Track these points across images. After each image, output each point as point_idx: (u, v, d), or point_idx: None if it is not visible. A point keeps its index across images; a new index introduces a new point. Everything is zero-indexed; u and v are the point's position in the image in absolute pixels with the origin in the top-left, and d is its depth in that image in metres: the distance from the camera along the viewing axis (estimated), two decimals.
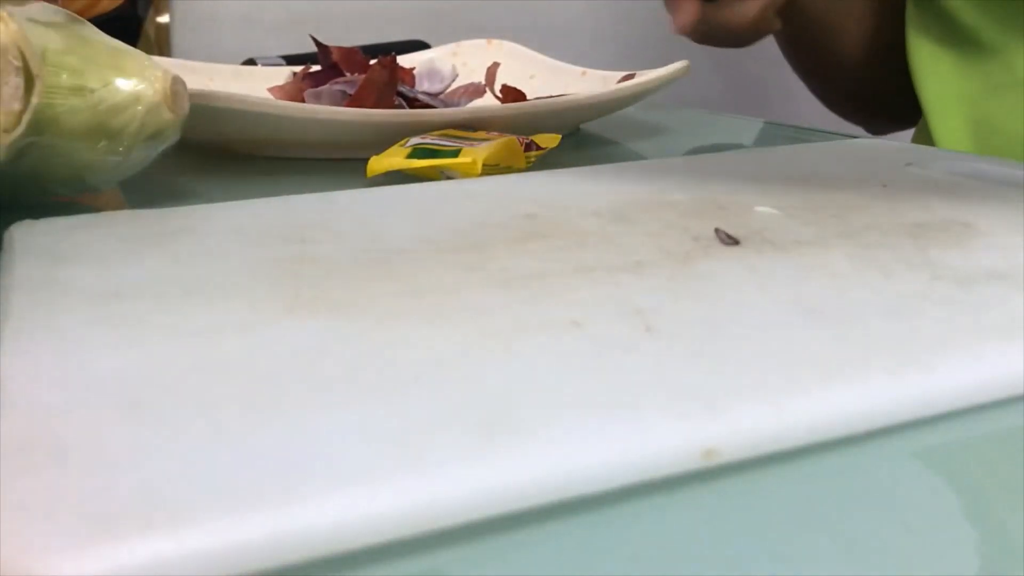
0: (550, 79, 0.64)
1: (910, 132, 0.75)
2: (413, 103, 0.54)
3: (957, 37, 0.62)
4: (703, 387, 0.18)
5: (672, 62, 0.55)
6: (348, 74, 0.57)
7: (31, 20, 0.32)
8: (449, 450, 0.16)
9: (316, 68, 0.59)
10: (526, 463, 0.16)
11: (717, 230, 0.28)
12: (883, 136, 0.79)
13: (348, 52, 0.59)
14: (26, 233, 0.28)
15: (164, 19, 0.83)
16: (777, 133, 0.60)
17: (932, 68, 0.64)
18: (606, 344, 0.20)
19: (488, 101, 0.58)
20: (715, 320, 0.21)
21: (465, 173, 0.39)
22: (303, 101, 0.54)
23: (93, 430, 0.16)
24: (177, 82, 0.35)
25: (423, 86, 0.59)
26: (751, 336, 0.21)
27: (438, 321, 0.21)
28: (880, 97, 0.76)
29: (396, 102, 0.53)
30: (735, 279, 0.24)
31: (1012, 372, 0.20)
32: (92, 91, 0.32)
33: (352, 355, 0.20)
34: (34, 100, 0.27)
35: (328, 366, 0.19)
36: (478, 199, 0.32)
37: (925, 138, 0.66)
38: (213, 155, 0.49)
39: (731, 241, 0.27)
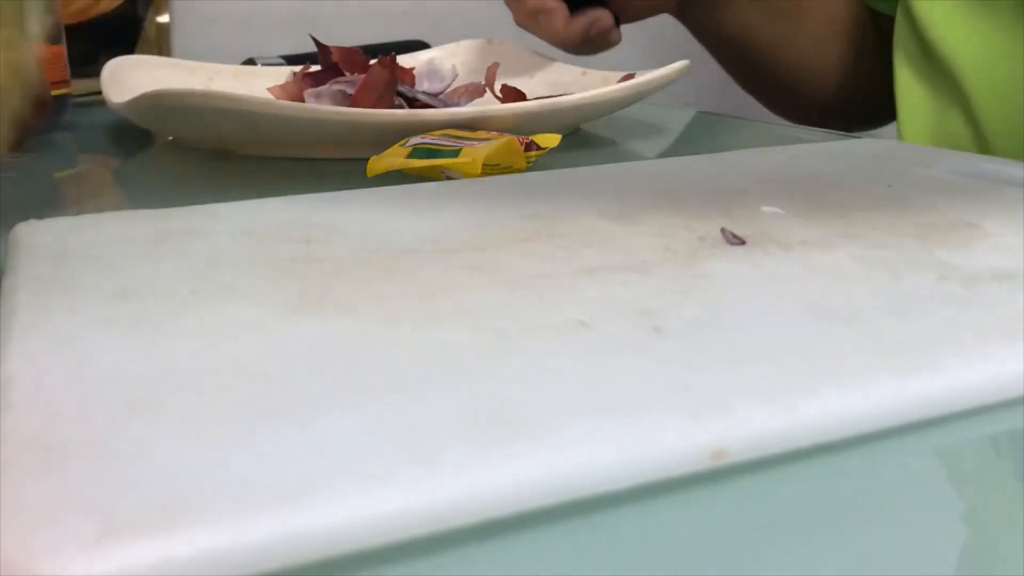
0: (550, 79, 0.64)
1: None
2: (413, 103, 0.54)
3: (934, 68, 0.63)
4: (711, 387, 0.18)
5: (672, 62, 0.55)
6: (348, 74, 0.57)
7: None
8: (459, 450, 0.16)
9: (316, 68, 0.59)
10: (534, 464, 0.16)
11: (723, 230, 0.28)
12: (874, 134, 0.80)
13: (348, 52, 0.58)
14: (30, 232, 0.28)
15: (164, 19, 0.83)
16: (780, 133, 0.60)
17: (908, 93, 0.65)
18: (613, 345, 0.20)
19: (488, 101, 0.58)
20: (723, 320, 0.21)
21: (465, 173, 0.39)
22: (303, 101, 0.54)
23: (99, 430, 0.16)
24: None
25: (423, 86, 0.59)
26: (759, 336, 0.20)
27: (444, 322, 0.21)
28: (848, 102, 0.77)
29: (396, 102, 0.53)
30: (742, 279, 0.24)
31: (1020, 372, 0.20)
32: None
33: (359, 355, 0.20)
34: None
35: (335, 366, 0.19)
36: (481, 199, 0.32)
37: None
38: (213, 155, 0.49)
39: (737, 241, 0.27)
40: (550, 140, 0.45)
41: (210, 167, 0.46)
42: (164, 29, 0.83)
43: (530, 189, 0.34)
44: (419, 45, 0.77)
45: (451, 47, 0.71)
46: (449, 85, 0.60)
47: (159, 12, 0.83)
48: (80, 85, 0.63)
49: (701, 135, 0.60)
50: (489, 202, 0.32)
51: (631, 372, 0.19)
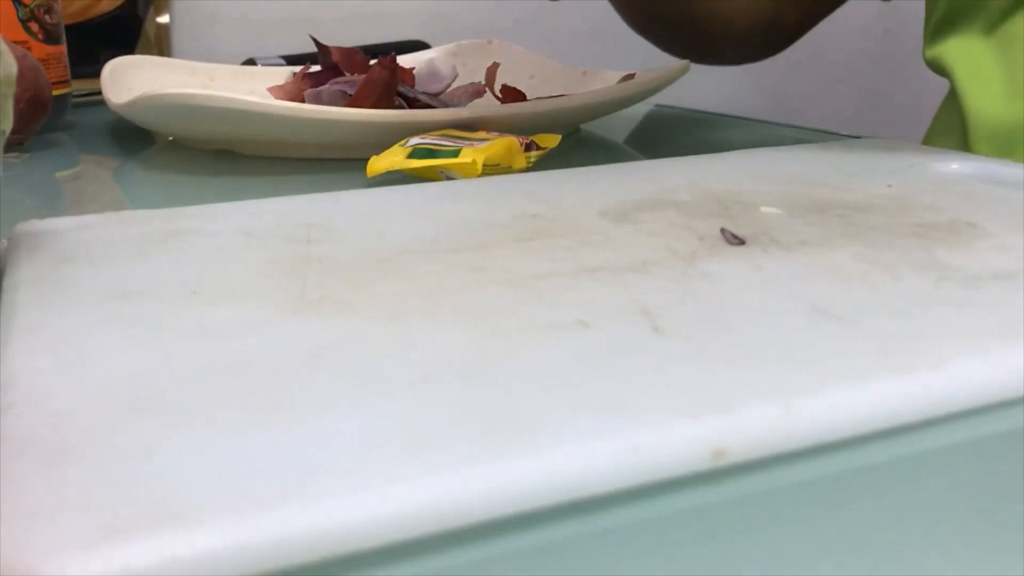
0: (550, 79, 0.64)
1: (920, 132, 0.74)
2: (413, 103, 0.54)
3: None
4: (712, 387, 0.18)
5: (672, 62, 0.55)
6: (348, 74, 0.57)
7: None
8: (459, 450, 0.16)
9: (316, 68, 0.59)
10: (534, 464, 0.16)
11: (723, 230, 0.28)
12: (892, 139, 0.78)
13: (348, 52, 0.58)
14: (31, 232, 0.28)
15: (164, 19, 0.83)
16: (780, 133, 0.60)
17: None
18: (613, 344, 0.20)
19: (488, 101, 0.58)
20: (723, 320, 0.21)
21: (465, 173, 0.39)
22: (303, 101, 0.54)
23: (100, 430, 0.16)
24: None
25: (423, 86, 0.59)
26: (759, 336, 0.20)
27: (445, 321, 0.21)
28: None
29: (396, 102, 0.53)
30: (742, 279, 0.24)
31: (1020, 372, 0.20)
32: None
33: (359, 355, 0.20)
34: None
35: (335, 366, 0.19)
36: (481, 199, 0.32)
37: (947, 129, 0.64)
38: (213, 155, 0.49)
39: (737, 241, 0.27)
40: (550, 140, 0.45)
41: (210, 167, 0.46)
42: (164, 29, 0.83)
43: (530, 189, 0.34)
44: (419, 45, 0.77)
45: (451, 47, 0.71)
46: (449, 85, 0.60)
47: (159, 12, 0.83)
48: (80, 85, 0.63)
49: (701, 135, 0.60)
50: (489, 202, 0.32)
51: (631, 372, 0.19)
